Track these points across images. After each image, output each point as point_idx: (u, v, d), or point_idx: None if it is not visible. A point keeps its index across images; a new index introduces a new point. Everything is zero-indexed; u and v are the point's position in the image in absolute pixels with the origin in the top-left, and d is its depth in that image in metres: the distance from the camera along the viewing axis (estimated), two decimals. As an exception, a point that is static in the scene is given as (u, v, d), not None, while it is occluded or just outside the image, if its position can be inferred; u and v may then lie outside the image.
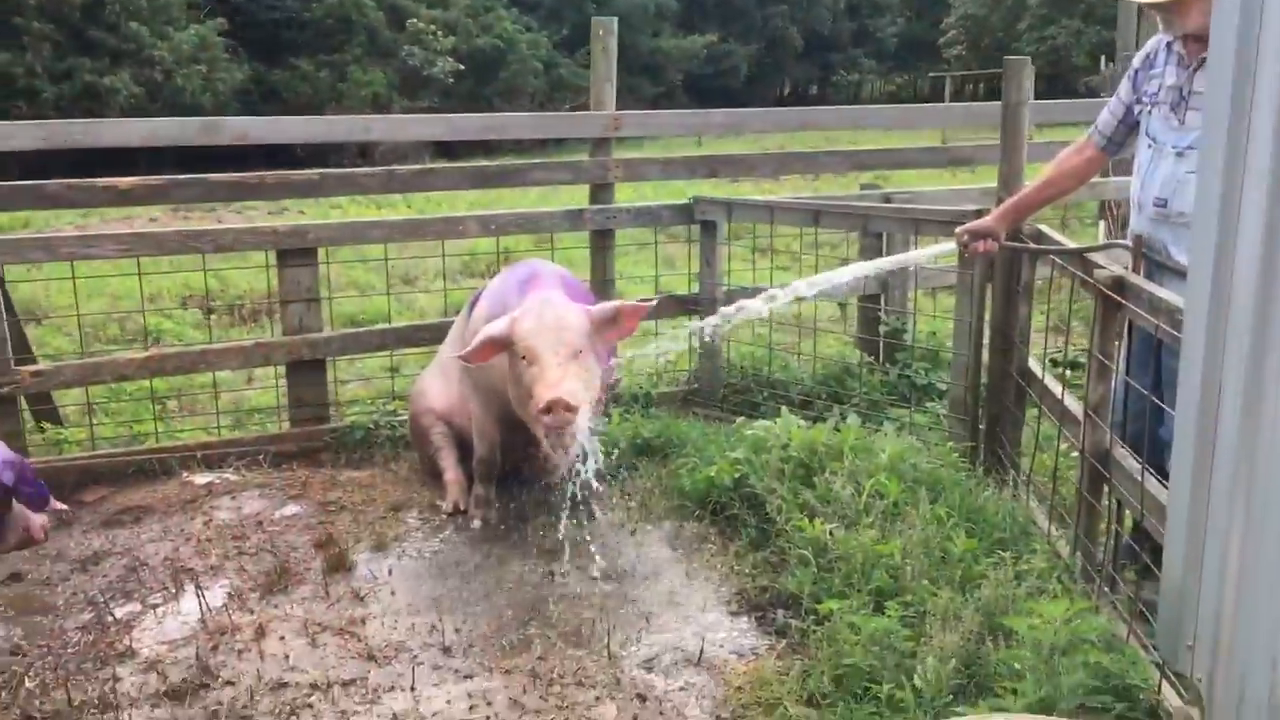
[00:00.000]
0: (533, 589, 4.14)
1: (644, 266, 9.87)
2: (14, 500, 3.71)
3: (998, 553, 3.65)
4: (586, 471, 4.11)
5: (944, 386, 5.78)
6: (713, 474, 4.60)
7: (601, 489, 4.44)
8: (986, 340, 5.06)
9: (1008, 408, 4.85)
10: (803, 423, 4.66)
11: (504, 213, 6.16)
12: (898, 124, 11.89)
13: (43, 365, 5.34)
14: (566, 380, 3.95)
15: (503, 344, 4.14)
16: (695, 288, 6.37)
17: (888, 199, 6.53)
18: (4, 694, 3.44)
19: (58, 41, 25.63)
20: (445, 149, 24.62)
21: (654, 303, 4.49)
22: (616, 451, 5.27)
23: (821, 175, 10.82)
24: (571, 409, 3.89)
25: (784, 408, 4.94)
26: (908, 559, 3.64)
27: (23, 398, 5.37)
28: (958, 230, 4.62)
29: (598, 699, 3.38)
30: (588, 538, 4.51)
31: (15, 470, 3.68)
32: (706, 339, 5.49)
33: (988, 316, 5.07)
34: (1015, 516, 4.05)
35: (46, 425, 5.72)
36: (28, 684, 3.49)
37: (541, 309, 4.14)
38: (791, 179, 14.24)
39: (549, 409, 3.88)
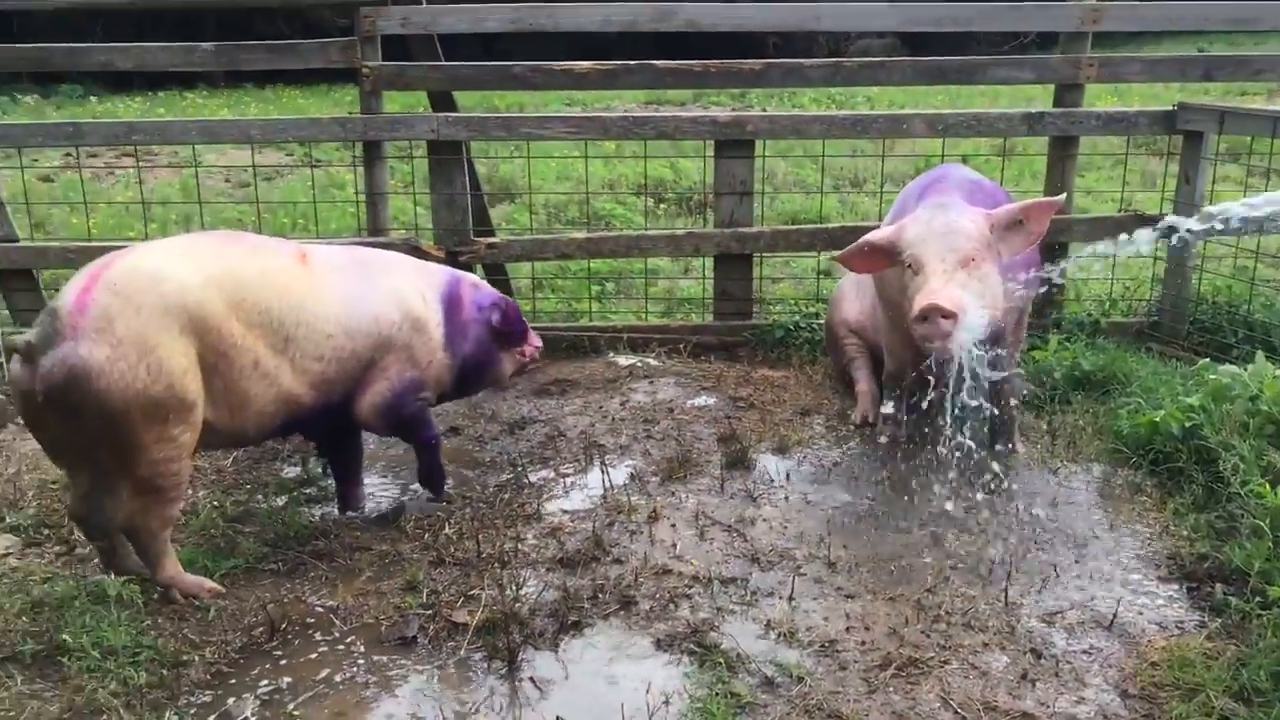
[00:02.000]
0: (932, 516, 3.86)
1: (1113, 183, 8.95)
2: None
3: None
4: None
5: None
6: (1158, 419, 4.04)
7: (1026, 420, 4.04)
8: None
9: None
10: (1281, 373, 3.96)
11: (954, 112, 5.72)
12: None
13: (497, 239, 5.72)
14: (949, 286, 3.58)
15: (885, 252, 3.85)
16: (1169, 209, 5.59)
17: None
18: (426, 535, 3.76)
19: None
20: (916, 49, 23.73)
21: (1062, 198, 3.92)
22: (1049, 381, 4.81)
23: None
24: (948, 315, 3.50)
25: (1260, 353, 4.21)
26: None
27: (480, 267, 5.81)
28: None
29: (985, 645, 3.09)
30: (1003, 470, 4.15)
31: (501, 310, 4.03)
32: (1175, 246, 4.76)
33: None
34: None
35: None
36: (447, 530, 3.78)
37: (932, 215, 3.78)
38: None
39: (923, 315, 3.54)
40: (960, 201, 3.88)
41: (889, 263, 3.90)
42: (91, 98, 19.31)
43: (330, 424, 3.76)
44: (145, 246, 3.37)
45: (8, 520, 3.85)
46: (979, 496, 3.97)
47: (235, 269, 3.31)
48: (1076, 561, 3.55)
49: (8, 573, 3.47)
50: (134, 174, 7.24)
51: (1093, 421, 4.51)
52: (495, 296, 4.10)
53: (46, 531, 3.80)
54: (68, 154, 10.78)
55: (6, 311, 5.65)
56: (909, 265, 3.74)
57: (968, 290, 3.61)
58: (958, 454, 3.98)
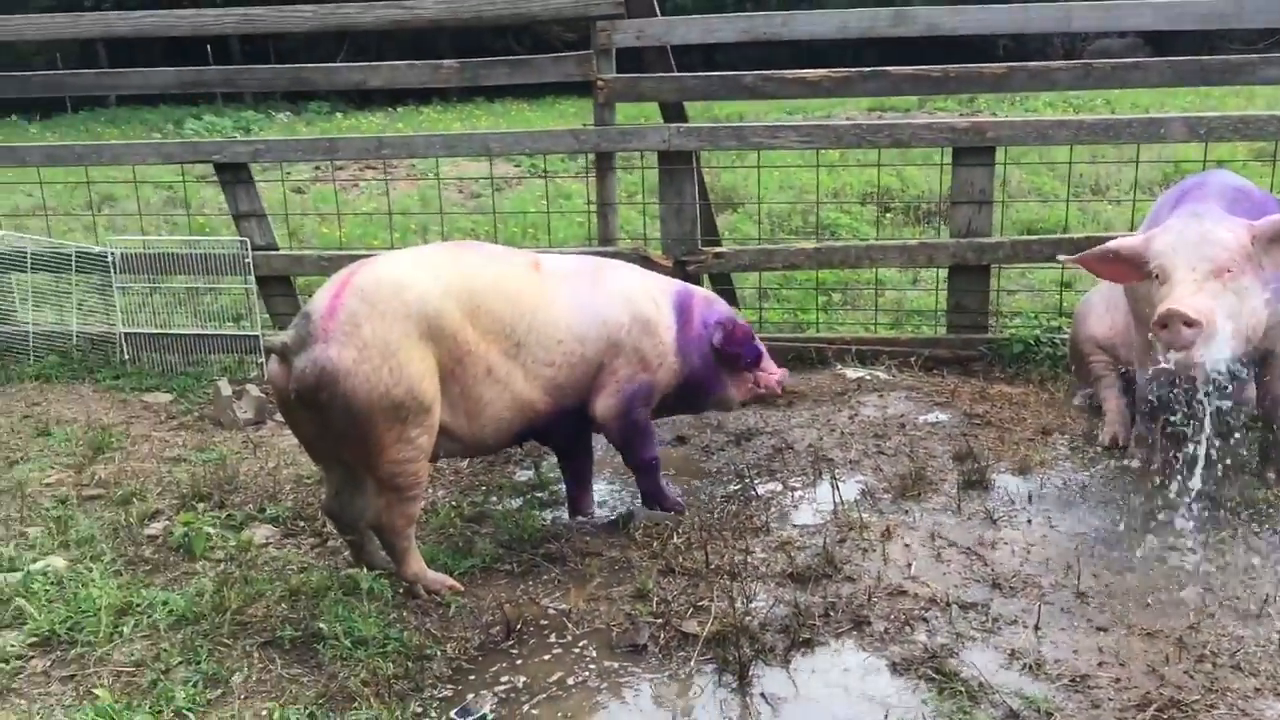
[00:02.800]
0: (1193, 548, 3.59)
1: (1397, 188, 8.16)
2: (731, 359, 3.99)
3: None
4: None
5: None
6: None
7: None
8: None
9: None
10: None
11: (1218, 114, 5.33)
12: None
13: (725, 248, 5.72)
14: (1197, 295, 3.31)
15: (1133, 261, 3.60)
16: None
17: None
18: (655, 544, 3.77)
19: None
20: (1161, 49, 22.44)
21: None
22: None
23: None
24: (1191, 323, 3.24)
25: None
26: None
27: (706, 277, 5.81)
28: None
29: (1258, 690, 2.84)
30: (1273, 500, 3.83)
31: (725, 330, 3.94)
32: None
33: None
34: None
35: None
36: (675, 539, 3.78)
37: (1185, 224, 3.51)
38: None
39: (1163, 323, 3.28)
40: (1218, 210, 3.60)
41: (1136, 274, 3.65)
42: (338, 114, 20.55)
43: (567, 430, 3.82)
44: (388, 256, 3.52)
45: (268, 512, 4.10)
46: (1244, 529, 3.67)
47: (470, 277, 3.41)
48: (1361, 605, 3.22)
49: (269, 561, 3.69)
50: (375, 185, 7.64)
51: (1377, 451, 4.09)
52: (724, 315, 4.00)
53: (302, 524, 4.03)
54: (317, 167, 11.50)
55: (268, 315, 6.03)
56: (1156, 275, 3.50)
57: (1219, 301, 3.35)
58: (1215, 482, 3.70)
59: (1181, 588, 3.35)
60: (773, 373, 4.09)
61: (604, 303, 3.70)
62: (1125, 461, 4.22)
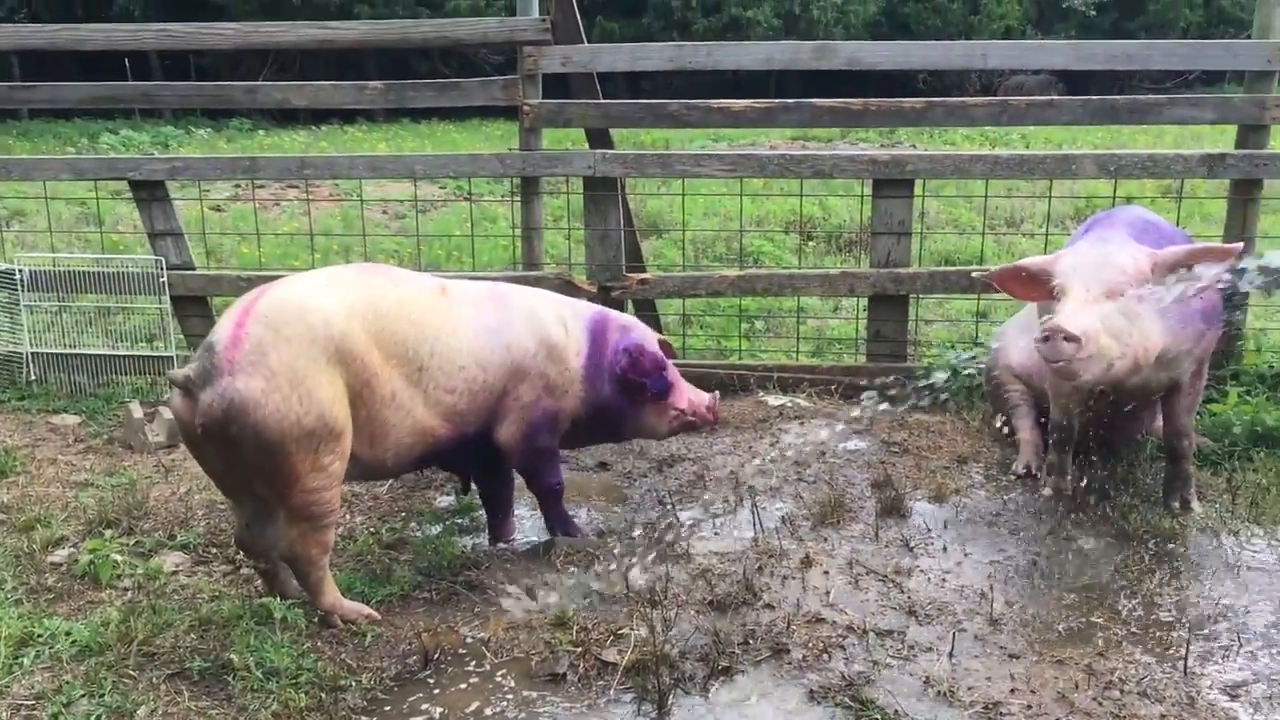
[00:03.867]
0: (1102, 576, 3.67)
1: (1295, 226, 8.49)
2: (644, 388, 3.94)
3: None
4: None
5: None
6: (1353, 482, 3.77)
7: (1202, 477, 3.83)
8: None
9: None
10: None
11: (1127, 152, 5.50)
12: None
13: (649, 275, 5.74)
14: (1081, 313, 3.43)
15: (1039, 278, 3.72)
16: (1362, 255, 5.25)
17: None
18: (576, 570, 3.75)
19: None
20: (1074, 87, 23.14)
21: (1239, 246, 3.69)
22: (1228, 437, 4.55)
23: None
24: (1070, 338, 3.36)
25: None
26: None
27: (630, 303, 5.82)
28: None
29: (1164, 716, 2.90)
30: (1176, 528, 3.94)
31: (631, 358, 3.89)
32: None
33: None
34: None
35: (651, 332, 6.17)
36: (596, 566, 3.76)
37: (1090, 247, 3.66)
38: None
39: (1045, 336, 3.40)
40: (1124, 237, 3.73)
41: (1043, 293, 3.76)
42: (260, 131, 20.26)
43: (471, 457, 3.79)
44: (291, 279, 3.44)
45: (179, 538, 4.00)
46: (1150, 555, 3.77)
47: (375, 299, 3.37)
48: (1261, 632, 3.32)
49: (178, 589, 3.60)
50: (298, 205, 7.54)
51: (1277, 481, 4.23)
52: (634, 342, 3.93)
53: (214, 550, 3.93)
54: (238, 185, 11.31)
55: (182, 336, 5.90)
56: (1056, 294, 3.61)
57: (1106, 321, 3.46)
58: (1128, 511, 3.79)
59: (1088, 615, 3.42)
60: (682, 403, 4.06)
61: (509, 328, 3.67)
62: (1038, 489, 4.31)
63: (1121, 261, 3.57)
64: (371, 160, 5.91)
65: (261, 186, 11.80)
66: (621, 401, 3.94)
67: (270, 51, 20.47)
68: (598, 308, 4.07)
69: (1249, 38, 5.39)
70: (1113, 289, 3.51)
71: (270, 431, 3.06)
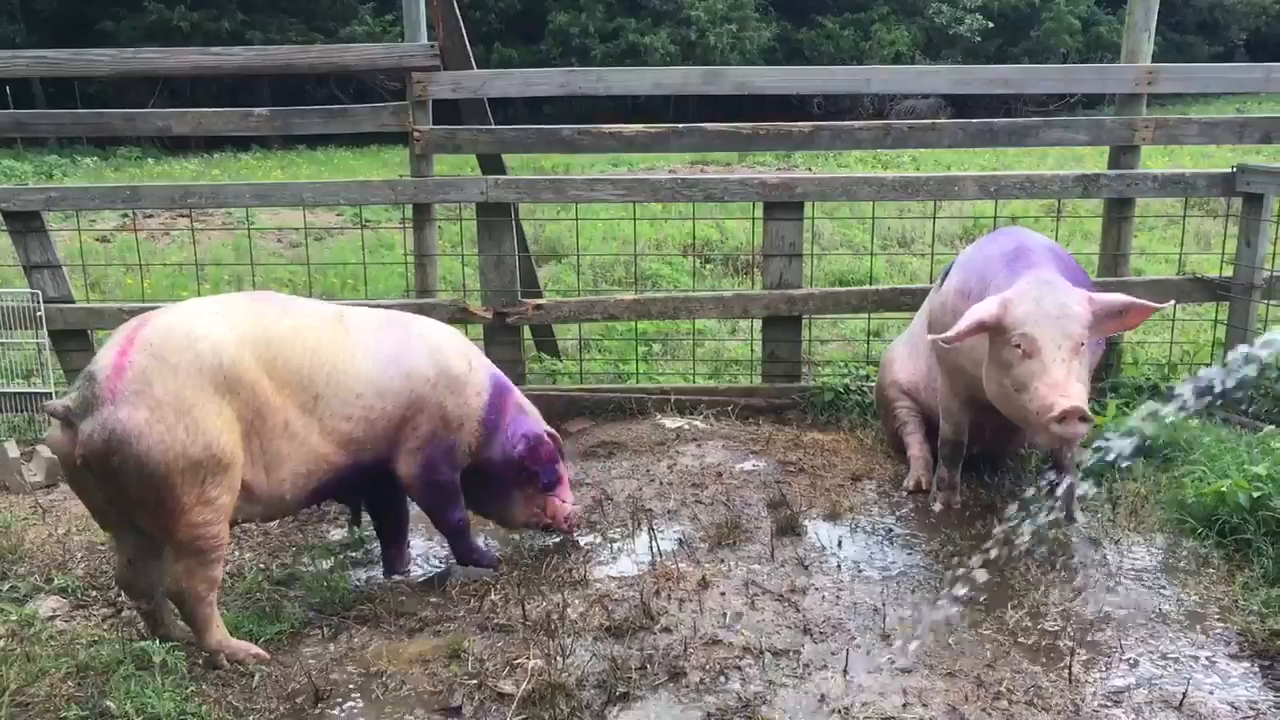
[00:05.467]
0: (990, 588, 3.75)
1: (1168, 243, 8.83)
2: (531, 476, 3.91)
3: None
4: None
5: None
6: (1224, 489, 3.93)
7: (1085, 489, 3.94)
8: None
9: None
10: (1354, 442, 3.84)
11: (1006, 173, 5.67)
12: None
13: (545, 300, 5.72)
14: (1074, 383, 3.49)
15: (992, 328, 3.69)
16: (1229, 271, 5.49)
17: None
18: (472, 601, 3.70)
19: (610, 3, 27.89)
20: (962, 111, 23.79)
21: (1170, 305, 3.85)
22: (1110, 450, 4.69)
23: None
24: (1088, 420, 3.45)
25: (1332, 421, 4.10)
26: None
27: (527, 328, 5.80)
28: None
29: (1050, 726, 2.98)
30: (1060, 539, 4.04)
31: (529, 445, 3.87)
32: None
33: None
34: None
35: (544, 357, 6.15)
36: (493, 595, 3.72)
37: (1040, 293, 3.65)
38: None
39: (1063, 418, 3.44)
40: (1060, 277, 3.77)
41: (984, 334, 3.75)
42: (149, 159, 19.77)
43: (368, 488, 3.73)
44: (178, 306, 3.35)
45: (56, 582, 3.85)
46: (1036, 566, 3.86)
47: (267, 327, 3.30)
48: (1142, 638, 3.42)
49: (55, 635, 3.46)
50: (189, 234, 7.36)
51: (1155, 491, 4.38)
52: (533, 430, 3.91)
53: (94, 593, 3.80)
54: (125, 215, 11.00)
55: (62, 372, 5.70)
56: (1018, 345, 3.61)
57: (1083, 383, 3.57)
58: (1013, 522, 3.88)
59: (978, 628, 3.49)
60: (557, 511, 4.01)
61: (409, 356, 3.62)
62: (929, 504, 4.39)
63: (1077, 312, 3.62)
64: (258, 189, 5.80)
65: (150, 216, 11.52)
66: (503, 477, 3.91)
67: (160, 79, 19.99)
68: (499, 372, 4.00)
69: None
70: (1077, 343, 3.59)
71: (154, 463, 2.97)
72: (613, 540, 4.19)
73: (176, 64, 5.63)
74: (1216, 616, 3.52)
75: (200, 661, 3.26)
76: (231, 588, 3.80)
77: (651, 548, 4.04)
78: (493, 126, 5.65)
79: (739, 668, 3.26)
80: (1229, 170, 5.42)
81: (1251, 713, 3.01)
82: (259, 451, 3.26)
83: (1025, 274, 3.79)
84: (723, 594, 3.72)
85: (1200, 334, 6.17)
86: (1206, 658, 3.30)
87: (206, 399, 3.08)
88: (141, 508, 3.08)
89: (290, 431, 3.32)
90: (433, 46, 5.38)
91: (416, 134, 5.44)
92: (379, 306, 5.04)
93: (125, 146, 20.92)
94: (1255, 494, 3.82)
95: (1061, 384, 3.48)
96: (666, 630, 3.48)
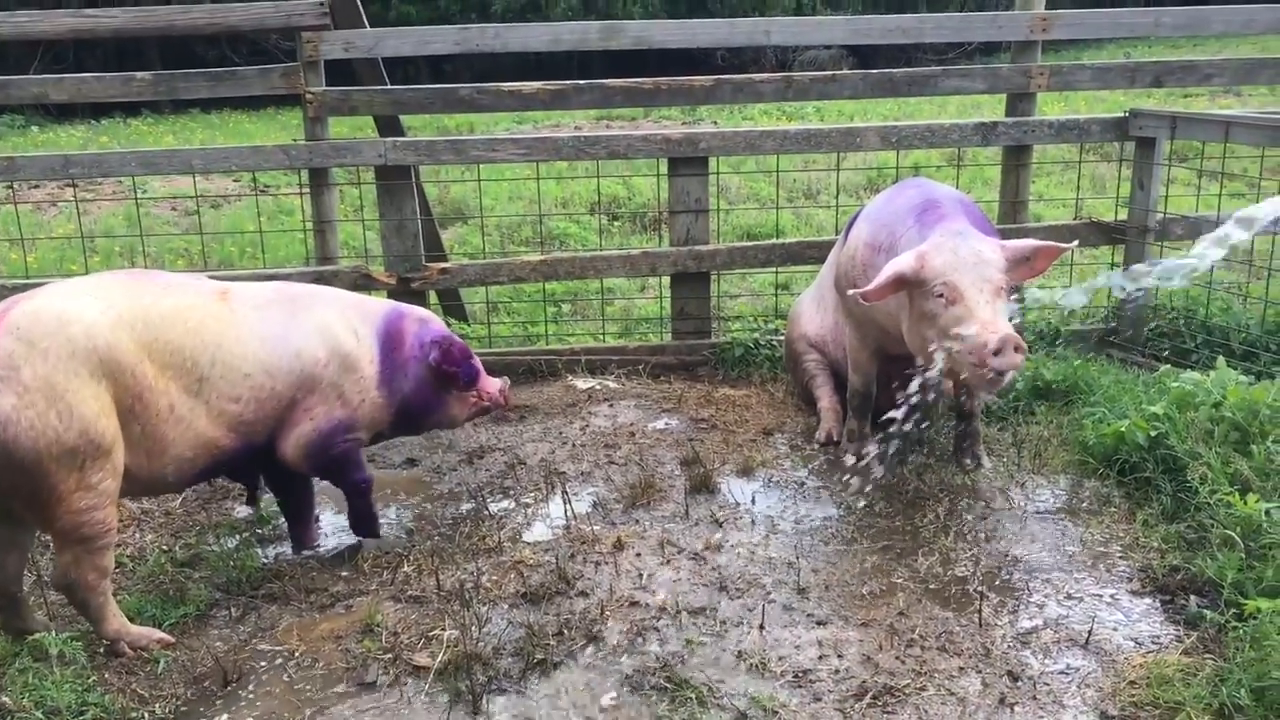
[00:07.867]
0: (901, 536, 3.81)
1: (1065, 188, 9.00)
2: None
3: None
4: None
5: None
6: (1123, 429, 4.02)
7: (990, 433, 4.00)
8: None
9: None
10: (1244, 378, 3.95)
11: (906, 124, 5.70)
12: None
13: (449, 264, 5.62)
14: (1002, 319, 3.53)
15: (912, 281, 3.68)
16: (1124, 215, 5.61)
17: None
18: (385, 574, 3.64)
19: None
20: (864, 61, 23.92)
21: (1074, 246, 3.91)
22: (1012, 392, 4.78)
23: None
24: (1022, 349, 3.48)
25: (1221, 358, 4.21)
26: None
27: (434, 293, 5.69)
28: None
29: (961, 669, 3.03)
30: (969, 484, 4.11)
31: (441, 349, 3.81)
32: (1124, 297, 4.81)
33: None
34: None
35: (452, 321, 6.05)
36: (405, 567, 3.66)
37: (955, 243, 3.67)
38: (1258, 93, 12.38)
39: (999, 349, 3.45)
40: (972, 228, 3.80)
41: (903, 289, 3.75)
42: (34, 127, 18.96)
43: (260, 466, 3.64)
44: (50, 287, 3.20)
45: (-56, 574, 3.69)
46: (945, 512, 3.93)
47: (146, 307, 3.18)
48: (1048, 578, 3.50)
49: (-57, 631, 3.32)
50: (77, 205, 7.07)
51: (1057, 432, 4.48)
52: (440, 334, 3.87)
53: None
54: (8, 187, 10.53)
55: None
56: (940, 294, 3.61)
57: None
58: (923, 470, 3.93)
59: (890, 576, 3.54)
60: (489, 387, 4.01)
61: (299, 335, 3.51)
62: (840, 455, 4.43)
63: (993, 258, 3.64)
64: (144, 156, 5.58)
65: (36, 186, 11.05)
66: (427, 394, 3.84)
67: (41, 43, 19.17)
68: (389, 304, 3.94)
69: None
70: (997, 287, 3.61)
71: (24, 450, 2.86)
72: (526, 505, 4.15)
73: (51, 27, 5.36)
74: (1119, 555, 3.61)
75: (102, 651, 3.16)
76: (133, 571, 3.69)
77: (566, 511, 4.01)
78: (389, 87, 5.51)
79: (656, 628, 3.26)
80: (1122, 115, 5.51)
81: (1154, 647, 3.10)
82: (140, 436, 3.15)
83: (937, 226, 3.81)
84: (638, 555, 3.71)
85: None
86: (1110, 595, 3.39)
87: (81, 383, 2.95)
88: (16, 497, 2.97)
89: (176, 415, 3.21)
90: (322, 4, 5.20)
91: (309, 96, 5.27)
92: (278, 275, 4.92)
93: (8, 114, 20.04)
94: (1153, 433, 3.91)
95: (991, 321, 3.52)
96: (583, 594, 3.47)
